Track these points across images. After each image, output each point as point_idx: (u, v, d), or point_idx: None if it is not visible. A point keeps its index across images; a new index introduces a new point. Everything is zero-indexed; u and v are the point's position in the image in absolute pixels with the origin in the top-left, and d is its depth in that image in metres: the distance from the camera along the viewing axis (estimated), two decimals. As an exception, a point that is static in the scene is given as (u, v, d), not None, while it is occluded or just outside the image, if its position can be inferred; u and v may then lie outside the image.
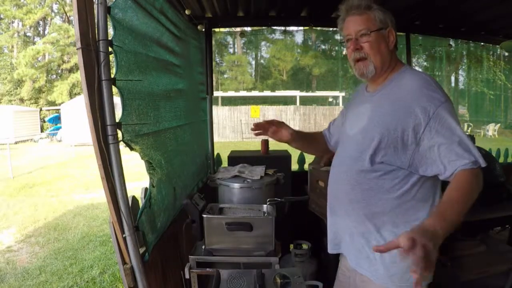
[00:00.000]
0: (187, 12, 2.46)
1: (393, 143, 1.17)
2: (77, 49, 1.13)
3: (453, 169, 1.08)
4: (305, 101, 20.13)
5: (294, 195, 2.64)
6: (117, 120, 1.28)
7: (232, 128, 17.91)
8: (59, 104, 20.40)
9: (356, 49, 1.25)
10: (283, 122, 1.59)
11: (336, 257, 1.52)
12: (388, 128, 1.18)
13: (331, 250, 1.46)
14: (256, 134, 1.57)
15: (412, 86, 1.18)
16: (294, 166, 3.28)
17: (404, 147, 1.17)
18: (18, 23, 26.38)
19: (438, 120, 1.11)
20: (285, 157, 3.05)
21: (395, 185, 1.21)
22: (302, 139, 1.65)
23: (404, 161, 1.18)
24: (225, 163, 2.96)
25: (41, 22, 27.78)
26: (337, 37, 3.69)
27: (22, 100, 23.70)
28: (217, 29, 3.21)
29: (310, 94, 20.33)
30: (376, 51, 1.24)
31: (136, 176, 7.43)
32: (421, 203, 1.21)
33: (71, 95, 23.08)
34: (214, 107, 3.25)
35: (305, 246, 2.48)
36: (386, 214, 1.22)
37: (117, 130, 1.27)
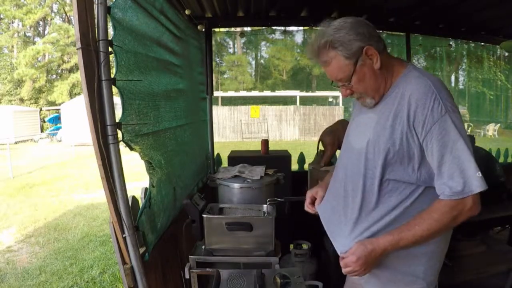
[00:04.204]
0: (187, 12, 2.46)
1: (400, 157, 1.12)
2: (77, 49, 1.13)
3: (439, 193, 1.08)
4: (305, 101, 20.13)
5: (294, 195, 2.64)
6: (117, 120, 1.28)
7: (232, 128, 17.92)
8: (59, 104, 20.41)
9: (347, 95, 1.22)
10: (316, 190, 1.53)
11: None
12: (394, 141, 1.12)
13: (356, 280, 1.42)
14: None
15: (412, 95, 1.09)
16: (294, 166, 3.28)
17: (410, 161, 1.12)
18: (18, 23, 26.38)
19: (434, 135, 1.05)
20: (285, 157, 3.05)
21: (401, 201, 1.16)
22: None
23: (412, 176, 1.13)
24: (225, 163, 2.96)
25: (41, 22, 27.78)
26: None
27: (22, 100, 23.70)
28: (217, 29, 3.21)
29: (310, 94, 20.34)
30: (366, 86, 1.17)
31: (136, 176, 7.43)
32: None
33: (71, 95, 23.09)
34: (214, 107, 3.25)
35: (305, 246, 2.48)
36: (387, 229, 1.18)
37: (117, 130, 1.27)
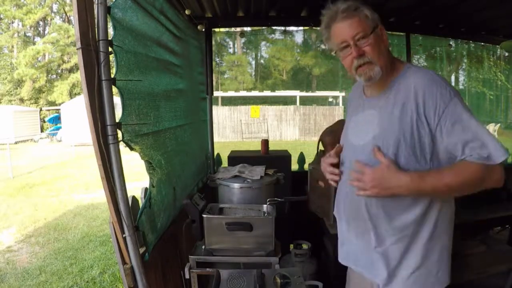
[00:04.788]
0: (187, 12, 2.46)
1: (412, 149, 1.12)
2: (77, 49, 1.13)
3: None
4: (305, 101, 20.12)
5: (294, 195, 2.64)
6: (117, 120, 1.28)
7: (232, 128, 17.91)
8: (59, 104, 20.41)
9: (359, 55, 1.15)
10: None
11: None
12: (404, 134, 1.12)
13: (341, 260, 1.40)
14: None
15: (418, 85, 1.12)
16: (294, 166, 3.28)
17: (422, 151, 1.12)
18: (18, 23, 26.37)
19: (448, 118, 1.07)
20: (285, 157, 3.05)
21: (415, 199, 1.15)
22: None
23: (425, 167, 1.13)
24: (225, 163, 2.96)
25: (41, 22, 27.77)
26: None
27: (22, 100, 23.69)
28: (217, 29, 3.21)
29: (310, 94, 20.31)
30: (379, 52, 1.16)
31: (136, 176, 7.43)
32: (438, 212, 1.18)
33: (71, 95, 23.09)
34: (214, 107, 3.25)
35: (305, 246, 2.48)
36: (406, 229, 1.17)
37: (117, 130, 1.27)
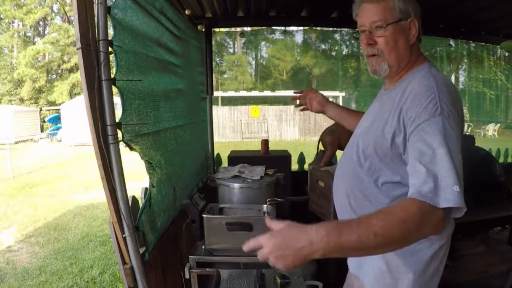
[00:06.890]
0: (187, 12, 2.47)
1: (389, 153, 1.05)
2: (77, 49, 1.13)
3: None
4: (305, 101, 20.13)
5: (294, 195, 2.64)
6: (117, 120, 1.28)
7: (232, 128, 17.92)
8: (59, 104, 20.41)
9: (369, 44, 1.10)
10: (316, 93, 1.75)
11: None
12: (385, 135, 1.05)
13: (352, 270, 1.33)
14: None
15: (411, 92, 1.02)
16: (294, 166, 3.28)
17: (401, 160, 1.03)
18: (18, 23, 26.39)
19: (421, 134, 0.92)
20: (285, 157, 3.05)
21: (391, 201, 1.09)
22: (344, 116, 1.68)
23: (404, 177, 1.03)
24: (225, 163, 2.97)
25: (41, 22, 27.79)
26: (337, 37, 3.68)
27: (22, 100, 23.71)
28: (217, 29, 3.22)
29: (310, 94, 20.32)
30: (392, 48, 1.09)
31: (136, 176, 7.42)
32: None
33: (71, 95, 23.10)
34: (214, 107, 3.26)
35: (305, 246, 2.48)
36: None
37: (117, 130, 1.27)
